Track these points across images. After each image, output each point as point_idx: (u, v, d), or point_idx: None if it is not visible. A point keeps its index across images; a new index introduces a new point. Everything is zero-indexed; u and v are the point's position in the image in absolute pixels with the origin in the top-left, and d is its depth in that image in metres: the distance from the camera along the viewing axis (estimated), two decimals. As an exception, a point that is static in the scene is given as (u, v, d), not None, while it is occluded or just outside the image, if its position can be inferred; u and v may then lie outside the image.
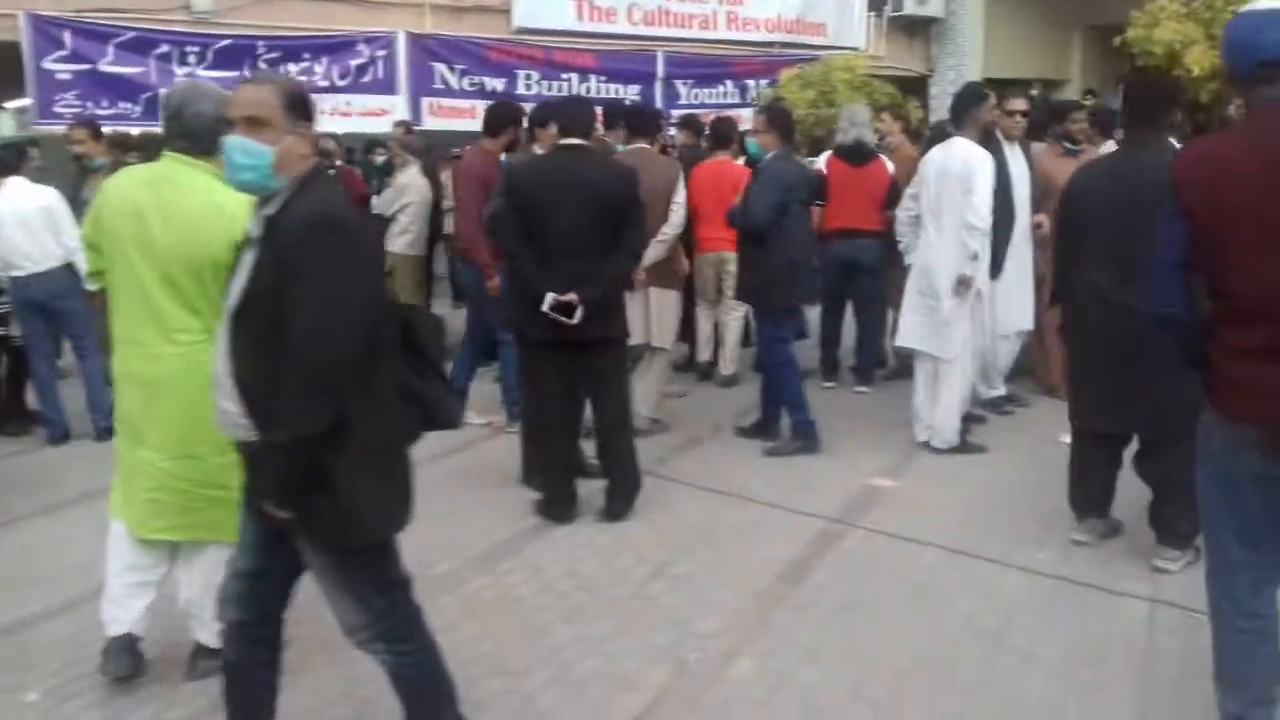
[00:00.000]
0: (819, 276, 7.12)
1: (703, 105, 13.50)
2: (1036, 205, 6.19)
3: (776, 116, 5.79)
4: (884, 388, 7.02)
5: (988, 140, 5.67)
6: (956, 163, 5.35)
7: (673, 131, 9.48)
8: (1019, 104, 6.19)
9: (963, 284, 5.37)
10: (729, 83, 14.18)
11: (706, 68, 14.01)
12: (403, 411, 2.50)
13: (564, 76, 12.85)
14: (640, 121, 6.18)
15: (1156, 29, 9.58)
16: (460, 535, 4.51)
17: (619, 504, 4.73)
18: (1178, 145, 4.03)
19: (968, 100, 5.61)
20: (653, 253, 5.65)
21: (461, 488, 5.18)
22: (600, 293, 4.51)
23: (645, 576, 4.11)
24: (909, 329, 5.67)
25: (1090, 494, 4.29)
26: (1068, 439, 4.44)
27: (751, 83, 14.07)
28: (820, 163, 7.02)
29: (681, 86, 13.86)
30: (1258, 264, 2.39)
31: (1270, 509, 2.46)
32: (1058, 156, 6.53)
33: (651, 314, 5.95)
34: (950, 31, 15.51)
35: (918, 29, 15.61)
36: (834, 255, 6.88)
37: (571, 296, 4.46)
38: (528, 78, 12.64)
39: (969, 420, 5.78)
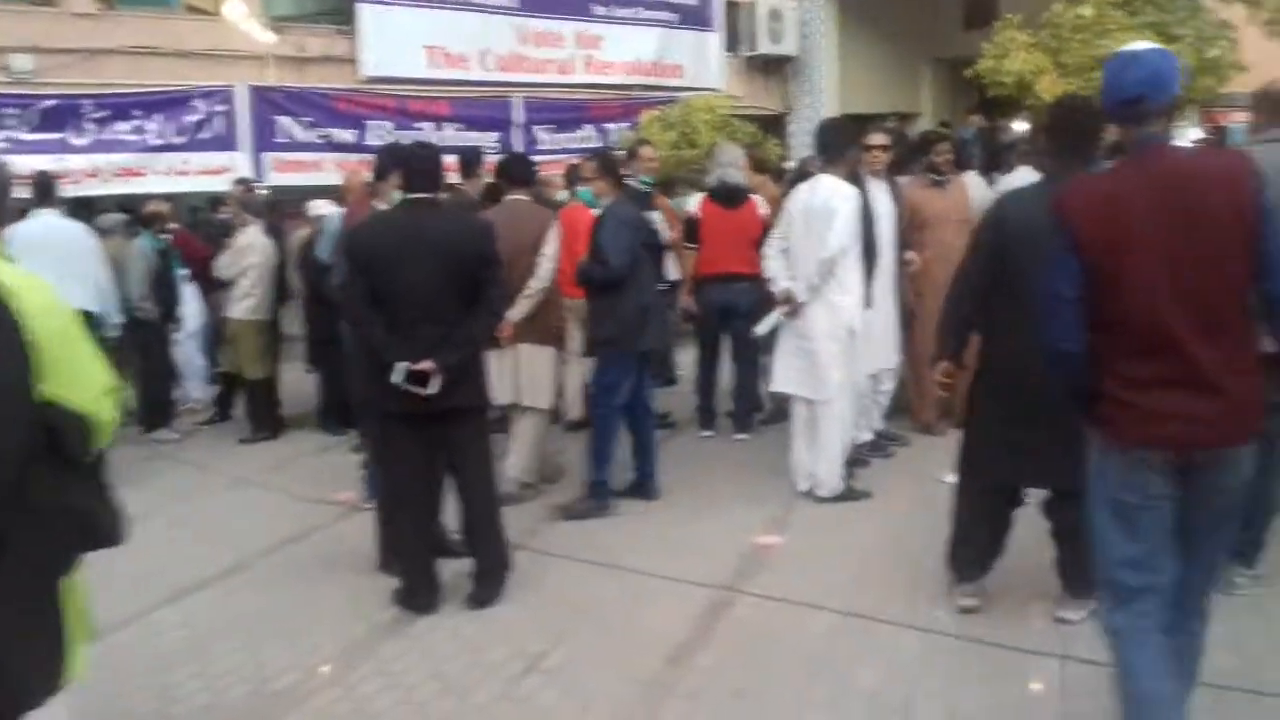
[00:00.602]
0: (695, 322, 6.92)
1: (565, 150, 13.25)
2: (904, 239, 6.06)
3: (607, 163, 5.60)
4: (762, 433, 6.78)
5: (854, 177, 5.52)
6: (820, 200, 5.16)
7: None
8: (879, 139, 6.08)
9: (786, 300, 5.21)
10: (588, 126, 13.97)
11: (565, 112, 13.77)
12: (58, 529, 2.07)
13: (418, 125, 12.41)
14: (516, 171, 5.88)
15: (1006, 59, 9.74)
16: (308, 637, 4.03)
17: (487, 589, 4.31)
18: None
19: (841, 136, 5.45)
20: (520, 308, 5.35)
21: (311, 578, 4.70)
22: (458, 357, 4.12)
23: (518, 672, 3.70)
24: (783, 373, 5.43)
25: (979, 552, 4.01)
26: (951, 479, 4.20)
27: (612, 126, 13.88)
28: (692, 205, 6.79)
29: (541, 132, 13.58)
30: (1154, 297, 2.47)
31: (1164, 530, 2.58)
32: (925, 188, 6.44)
33: (521, 372, 5.58)
34: (805, 69, 15.64)
35: (773, 68, 15.70)
36: (709, 300, 6.65)
37: (427, 364, 4.05)
38: (379, 128, 12.16)
39: (851, 465, 5.56)
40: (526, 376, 5.60)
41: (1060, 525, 3.85)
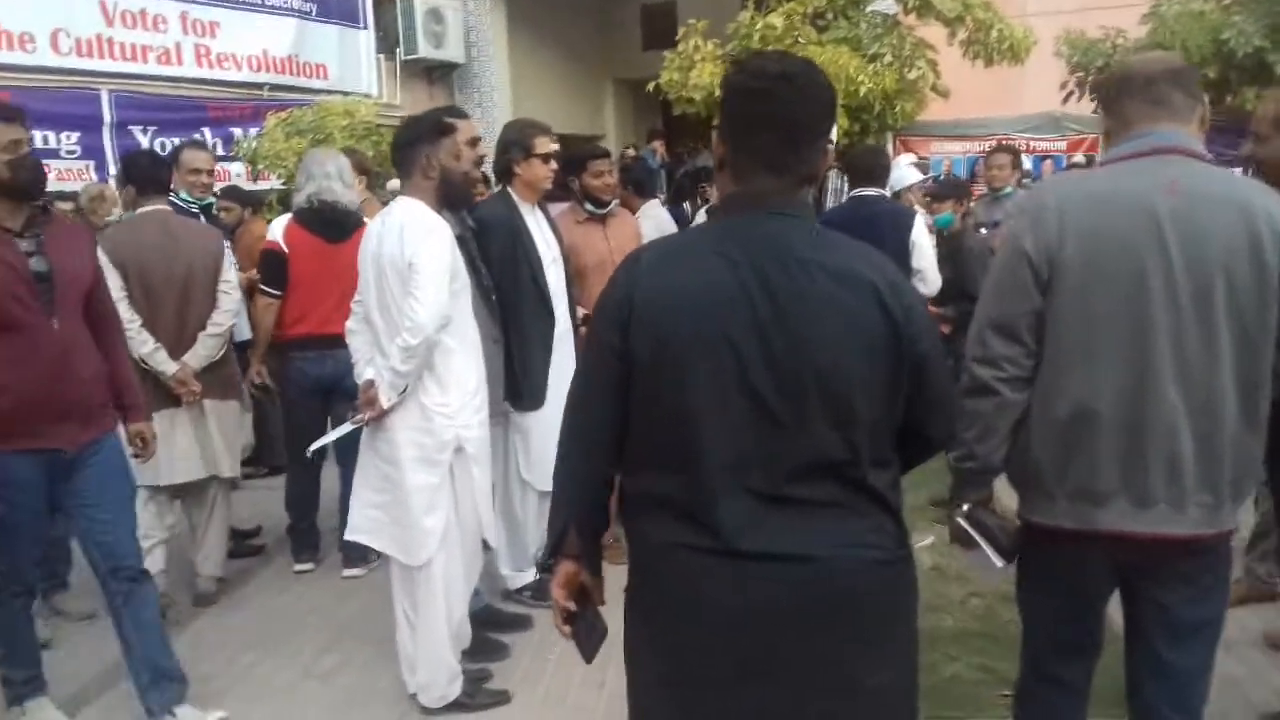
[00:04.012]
0: (281, 406, 4.93)
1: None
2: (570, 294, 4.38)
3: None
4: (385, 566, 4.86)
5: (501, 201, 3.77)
6: (391, 246, 3.36)
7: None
8: (546, 144, 4.29)
9: (368, 402, 3.42)
10: (207, 130, 11.50)
11: (174, 111, 11.23)
12: None
13: (-42, 119, 9.43)
14: (147, 172, 4.42)
15: (693, 72, 8.48)
16: None
17: None
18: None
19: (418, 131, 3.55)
20: (204, 350, 4.38)
21: None
22: None
23: None
24: (361, 512, 3.58)
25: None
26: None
27: (237, 130, 11.46)
28: (275, 233, 4.75)
29: (141, 134, 10.94)
30: None
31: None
32: (581, 222, 4.78)
33: (212, 435, 4.43)
34: (474, 79, 13.97)
35: (438, 75, 13.89)
36: (299, 374, 4.67)
37: None
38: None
39: (477, 655, 3.77)
40: (220, 440, 4.47)
41: None
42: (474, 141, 3.88)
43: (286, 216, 4.74)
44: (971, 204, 5.98)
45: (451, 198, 3.53)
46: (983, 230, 6.02)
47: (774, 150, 1.85)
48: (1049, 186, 2.43)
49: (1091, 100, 10.61)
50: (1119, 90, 2.29)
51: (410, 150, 3.43)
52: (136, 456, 3.54)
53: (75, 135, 10.41)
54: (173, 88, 11.18)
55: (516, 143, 4.17)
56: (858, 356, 1.79)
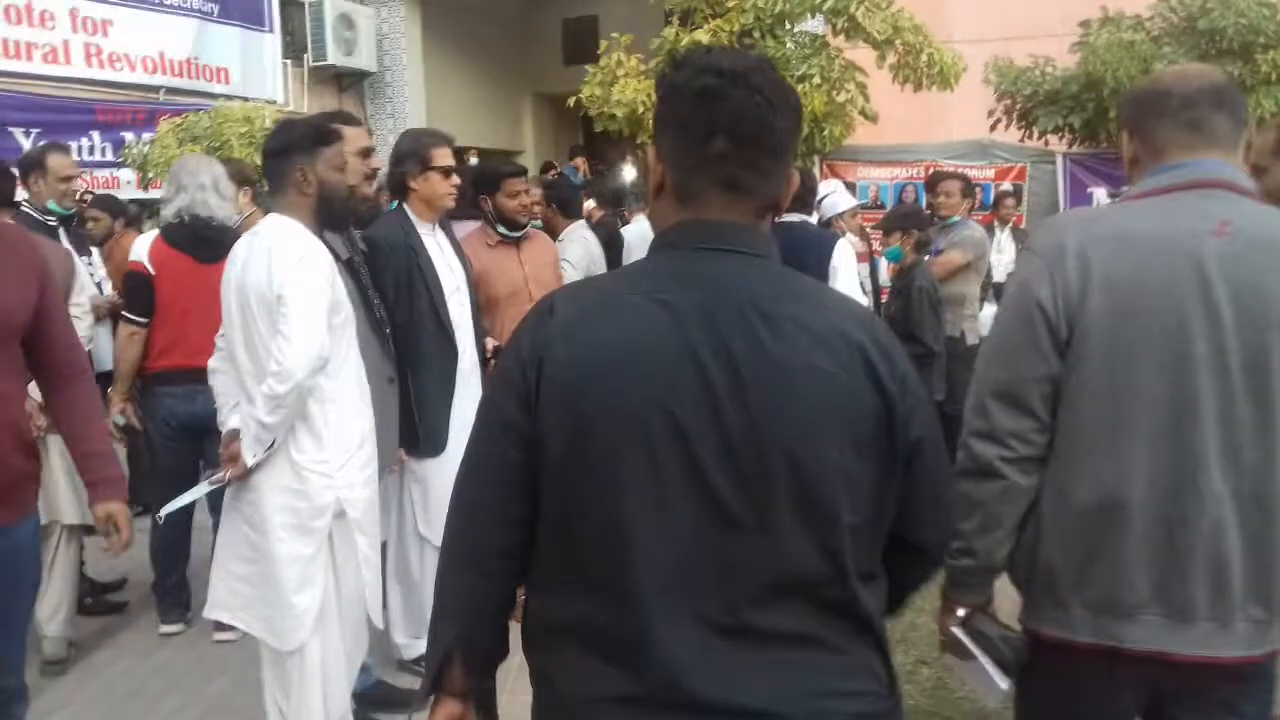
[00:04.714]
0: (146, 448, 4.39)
1: (64, 163, 10.06)
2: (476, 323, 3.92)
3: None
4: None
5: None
6: (257, 272, 2.87)
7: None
8: (442, 154, 3.79)
9: (229, 458, 2.91)
10: (96, 134, 10.77)
11: (61, 113, 10.49)
12: None
13: None
14: None
15: (615, 87, 8.08)
16: None
17: None
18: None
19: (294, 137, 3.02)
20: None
21: None
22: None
23: None
24: (225, 588, 3.03)
25: None
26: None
27: (129, 135, 10.75)
28: (140, 252, 4.18)
29: (23, 136, 10.17)
30: None
31: None
32: (491, 246, 4.31)
33: (56, 475, 3.89)
34: (386, 88, 13.42)
35: (348, 83, 13.30)
36: (168, 414, 4.13)
37: None
38: None
39: None
40: (64, 480, 3.94)
41: None
42: (366, 152, 3.42)
43: (153, 233, 4.19)
44: (919, 235, 5.64)
45: (332, 217, 3.04)
46: (927, 257, 5.71)
47: (731, 167, 1.43)
48: (1068, 224, 2.00)
49: (1020, 128, 10.48)
50: (1150, 110, 1.88)
51: (282, 160, 2.93)
52: (107, 549, 2.78)
53: (-54, 137, 9.64)
54: (59, 88, 10.45)
55: (412, 154, 3.69)
56: (841, 440, 1.37)
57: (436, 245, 3.76)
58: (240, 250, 2.95)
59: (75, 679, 4.04)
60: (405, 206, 3.74)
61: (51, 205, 4.68)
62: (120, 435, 4.24)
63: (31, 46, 10.27)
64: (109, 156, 10.64)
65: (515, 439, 1.42)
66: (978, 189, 9.08)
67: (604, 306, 1.45)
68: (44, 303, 2.55)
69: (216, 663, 4.11)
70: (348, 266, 3.34)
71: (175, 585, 4.39)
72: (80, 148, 10.59)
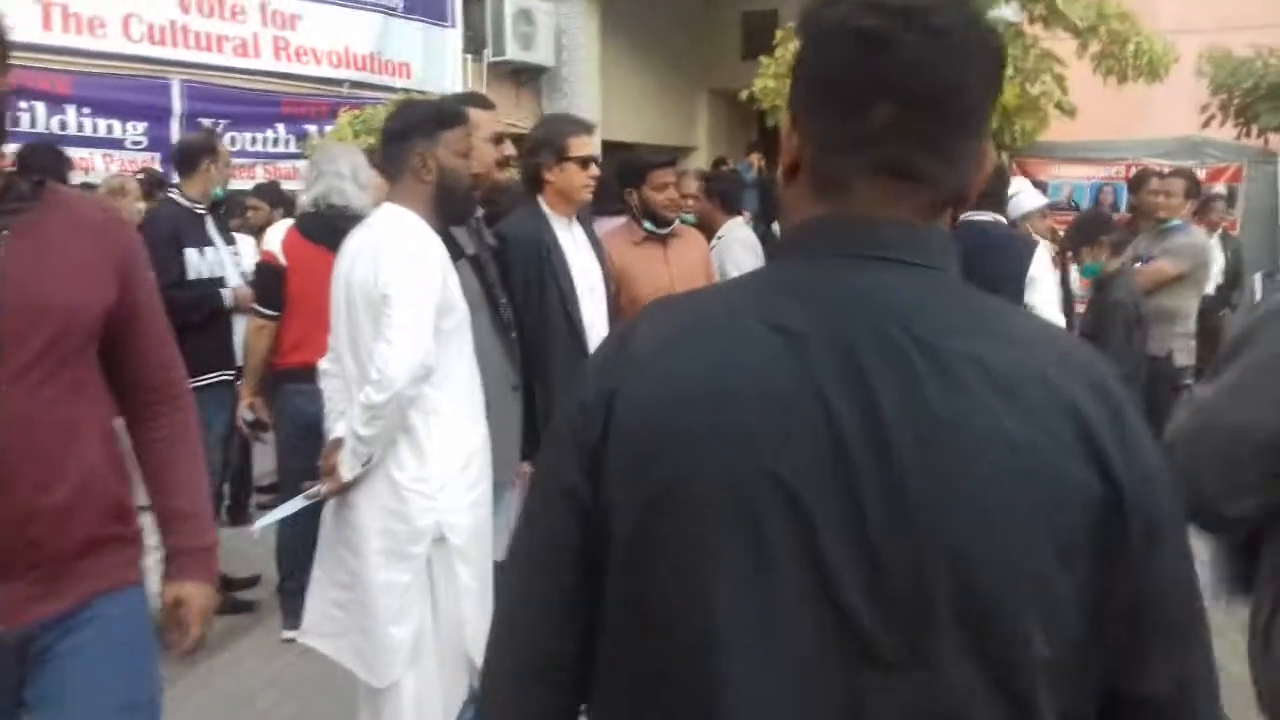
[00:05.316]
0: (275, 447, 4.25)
1: (249, 154, 10.44)
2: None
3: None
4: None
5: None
6: (366, 266, 2.59)
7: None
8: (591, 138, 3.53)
9: (328, 471, 2.67)
10: (281, 126, 11.09)
11: (248, 105, 10.84)
12: None
13: (23, 106, 9.14)
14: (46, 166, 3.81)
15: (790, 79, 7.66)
16: None
17: None
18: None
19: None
20: None
21: None
22: None
23: None
24: (319, 613, 2.83)
25: None
26: None
27: (312, 128, 11.02)
28: (273, 242, 4.06)
29: (211, 127, 10.52)
30: None
31: None
32: (635, 243, 3.96)
33: None
34: (563, 84, 13.38)
35: (526, 78, 13.32)
36: (295, 413, 3.97)
37: None
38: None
39: None
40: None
41: None
42: (498, 139, 3.13)
43: (287, 222, 4.05)
44: (1112, 239, 4.96)
45: (453, 207, 2.76)
46: (1137, 264, 5.03)
47: (898, 144, 1.00)
48: None
49: (1237, 125, 9.47)
50: None
51: (401, 143, 2.68)
52: (171, 650, 2.07)
53: (142, 125, 10.07)
54: (247, 80, 10.78)
55: (547, 143, 3.39)
56: (1037, 543, 0.92)
57: (572, 241, 3.46)
58: (351, 244, 2.73)
59: (190, 683, 3.92)
60: (540, 199, 3.45)
61: (217, 191, 4.69)
62: (250, 432, 4.12)
63: (222, 39, 10.65)
64: (293, 149, 10.94)
65: (573, 512, 1.04)
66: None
67: (699, 332, 1.03)
68: (127, 301, 1.93)
69: (333, 677, 3.93)
70: (473, 263, 3.07)
71: (298, 589, 4.24)
72: (265, 140, 10.96)
